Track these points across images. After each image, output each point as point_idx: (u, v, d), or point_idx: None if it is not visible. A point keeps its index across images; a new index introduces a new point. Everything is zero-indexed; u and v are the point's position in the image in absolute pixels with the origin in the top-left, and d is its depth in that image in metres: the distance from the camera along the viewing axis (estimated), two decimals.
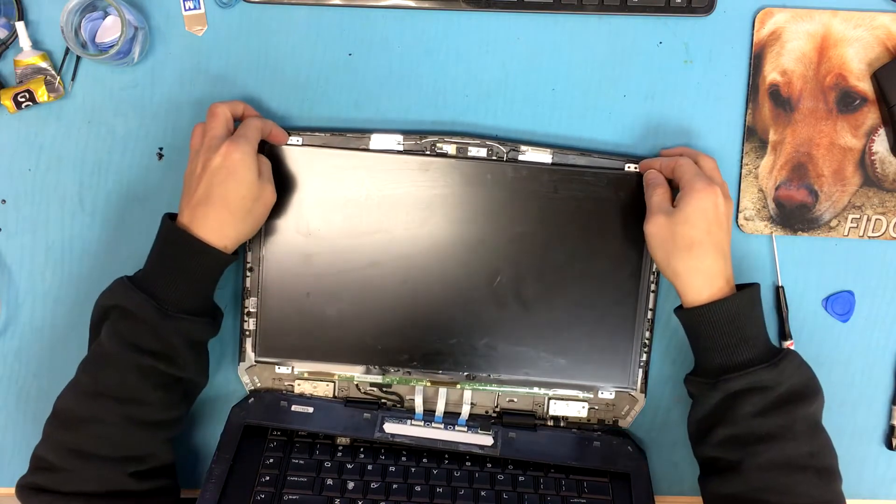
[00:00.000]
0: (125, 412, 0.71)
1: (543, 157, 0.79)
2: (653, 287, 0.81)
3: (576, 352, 0.81)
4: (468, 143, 0.79)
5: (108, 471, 0.71)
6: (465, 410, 0.83)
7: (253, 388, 0.83)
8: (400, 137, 0.79)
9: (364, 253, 0.79)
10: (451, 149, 0.79)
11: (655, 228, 0.74)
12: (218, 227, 0.72)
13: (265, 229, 0.79)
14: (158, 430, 0.73)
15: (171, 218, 0.73)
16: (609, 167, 0.79)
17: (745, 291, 0.73)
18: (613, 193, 0.79)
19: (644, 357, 0.82)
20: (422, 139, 0.79)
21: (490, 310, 0.80)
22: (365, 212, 0.79)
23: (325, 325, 0.80)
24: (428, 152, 0.79)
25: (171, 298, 0.71)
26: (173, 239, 0.72)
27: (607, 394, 0.83)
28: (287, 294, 0.80)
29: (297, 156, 0.78)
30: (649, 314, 0.81)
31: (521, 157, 0.79)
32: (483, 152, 0.79)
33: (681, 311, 0.75)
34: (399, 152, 0.79)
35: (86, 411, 0.71)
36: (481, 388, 0.83)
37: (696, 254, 0.72)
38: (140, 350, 0.71)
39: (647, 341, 0.81)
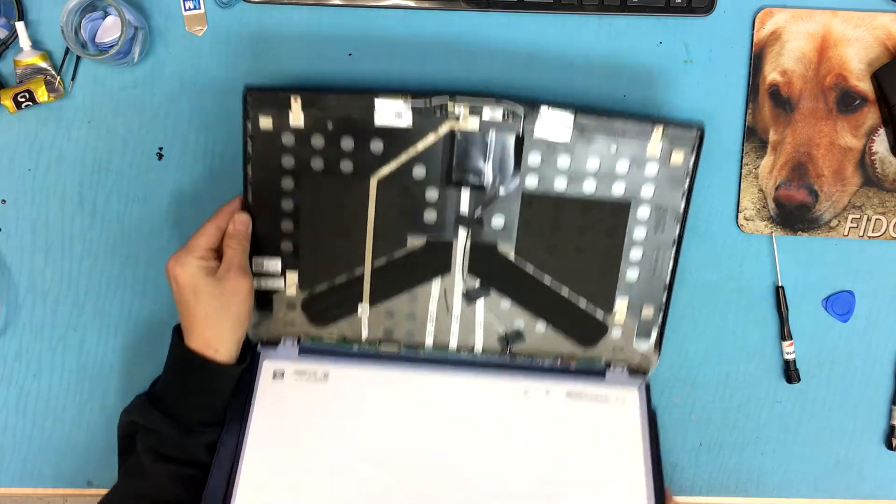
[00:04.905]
0: None
1: (564, 117, 0.75)
2: None
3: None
4: (482, 104, 0.74)
5: None
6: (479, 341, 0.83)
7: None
8: (406, 97, 0.74)
9: None
10: (463, 111, 0.75)
11: None
12: (209, 342, 0.73)
13: None
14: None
15: (179, 334, 0.74)
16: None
17: None
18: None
19: None
20: (431, 102, 0.75)
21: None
22: None
23: None
24: (438, 115, 0.75)
25: (189, 417, 0.73)
26: (180, 360, 0.74)
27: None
28: None
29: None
30: None
31: (538, 120, 0.75)
32: (499, 113, 0.75)
33: None
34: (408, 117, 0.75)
35: None
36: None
37: None
38: (171, 460, 0.73)
39: None
